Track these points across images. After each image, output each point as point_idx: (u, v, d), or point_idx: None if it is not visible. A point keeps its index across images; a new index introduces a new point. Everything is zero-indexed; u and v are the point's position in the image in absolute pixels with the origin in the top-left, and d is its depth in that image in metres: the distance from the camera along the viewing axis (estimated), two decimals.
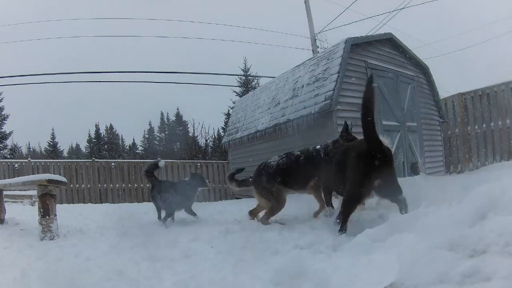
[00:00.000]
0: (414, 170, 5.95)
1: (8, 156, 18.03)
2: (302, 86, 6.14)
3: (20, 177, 4.33)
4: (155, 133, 35.81)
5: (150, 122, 34.79)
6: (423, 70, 6.95)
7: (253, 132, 7.28)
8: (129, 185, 9.24)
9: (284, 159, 3.41)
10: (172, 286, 1.75)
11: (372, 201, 3.61)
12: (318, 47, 10.65)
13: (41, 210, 3.07)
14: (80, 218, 4.43)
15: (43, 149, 29.66)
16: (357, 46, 5.65)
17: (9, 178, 6.68)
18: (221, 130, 17.53)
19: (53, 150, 28.05)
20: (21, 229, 3.40)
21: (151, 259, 2.22)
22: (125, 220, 3.82)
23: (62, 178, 3.30)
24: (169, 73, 18.86)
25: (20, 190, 5.44)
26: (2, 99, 17.86)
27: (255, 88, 15.31)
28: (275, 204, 3.25)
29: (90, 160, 9.71)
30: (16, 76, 11.48)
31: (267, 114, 7.00)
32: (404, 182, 3.74)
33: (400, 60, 6.48)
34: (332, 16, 12.15)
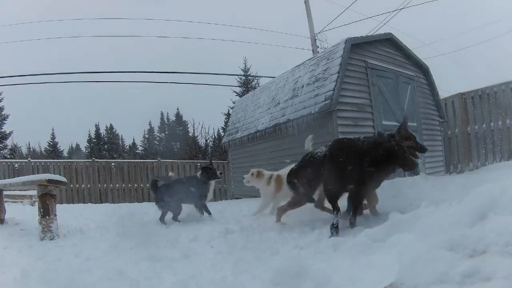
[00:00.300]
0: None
1: (8, 156, 18.02)
2: (302, 86, 6.14)
3: (20, 177, 4.34)
4: (155, 133, 35.79)
5: (150, 122, 34.78)
6: (423, 70, 6.94)
7: (253, 132, 7.28)
8: (129, 185, 9.23)
9: None
10: (172, 286, 1.75)
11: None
12: (318, 47, 10.64)
13: (41, 210, 3.07)
14: (80, 218, 4.43)
15: (43, 149, 29.64)
16: (357, 46, 5.65)
17: (9, 178, 6.68)
18: (221, 130, 17.53)
19: (53, 150, 28.02)
20: (21, 229, 3.40)
21: (151, 259, 2.22)
22: (125, 220, 3.81)
23: (62, 178, 3.30)
24: (169, 73, 18.83)
25: (20, 190, 5.44)
26: (2, 99, 17.86)
27: (255, 88, 15.31)
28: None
29: (90, 160, 9.70)
30: (16, 76, 11.47)
31: (267, 114, 7.00)
32: (404, 182, 3.76)
33: (400, 60, 6.47)
34: (332, 16, 12.15)
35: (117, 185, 9.11)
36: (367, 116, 5.57)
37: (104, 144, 31.10)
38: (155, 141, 35.13)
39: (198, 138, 15.49)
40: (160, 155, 21.80)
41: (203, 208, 4.03)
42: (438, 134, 7.09)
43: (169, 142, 31.50)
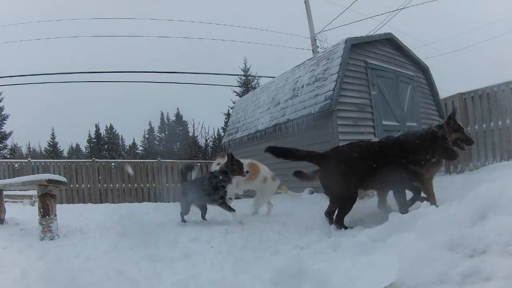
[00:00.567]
0: None
1: (8, 156, 18.05)
2: (302, 86, 6.14)
3: (20, 177, 4.33)
4: (155, 133, 35.84)
5: (150, 122, 34.84)
6: (423, 70, 6.95)
7: (253, 132, 7.28)
8: (129, 185, 9.24)
9: None
10: (172, 286, 1.75)
11: (373, 201, 3.61)
12: (318, 47, 10.65)
13: (41, 210, 3.07)
14: (80, 218, 4.42)
15: (43, 149, 29.69)
16: (357, 46, 5.65)
17: (9, 178, 6.68)
18: (221, 130, 17.56)
19: (53, 150, 28.07)
20: (21, 229, 3.40)
21: (151, 259, 2.22)
22: (125, 220, 3.80)
23: (62, 178, 3.29)
24: (169, 73, 18.91)
25: (20, 190, 5.44)
26: (2, 99, 17.89)
27: (255, 88, 15.33)
28: None
29: (90, 160, 9.71)
30: (16, 76, 11.49)
31: (267, 114, 7.00)
32: None
33: (400, 60, 6.48)
34: (332, 16, 12.16)
35: (117, 185, 9.12)
36: (367, 116, 5.57)
37: (104, 144, 31.14)
38: (155, 141, 35.17)
39: (198, 138, 15.53)
40: (160, 155, 21.83)
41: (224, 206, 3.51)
42: None
43: (169, 142, 31.54)
